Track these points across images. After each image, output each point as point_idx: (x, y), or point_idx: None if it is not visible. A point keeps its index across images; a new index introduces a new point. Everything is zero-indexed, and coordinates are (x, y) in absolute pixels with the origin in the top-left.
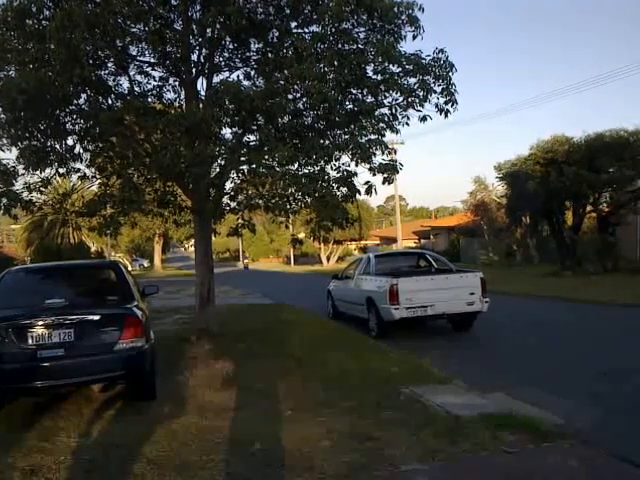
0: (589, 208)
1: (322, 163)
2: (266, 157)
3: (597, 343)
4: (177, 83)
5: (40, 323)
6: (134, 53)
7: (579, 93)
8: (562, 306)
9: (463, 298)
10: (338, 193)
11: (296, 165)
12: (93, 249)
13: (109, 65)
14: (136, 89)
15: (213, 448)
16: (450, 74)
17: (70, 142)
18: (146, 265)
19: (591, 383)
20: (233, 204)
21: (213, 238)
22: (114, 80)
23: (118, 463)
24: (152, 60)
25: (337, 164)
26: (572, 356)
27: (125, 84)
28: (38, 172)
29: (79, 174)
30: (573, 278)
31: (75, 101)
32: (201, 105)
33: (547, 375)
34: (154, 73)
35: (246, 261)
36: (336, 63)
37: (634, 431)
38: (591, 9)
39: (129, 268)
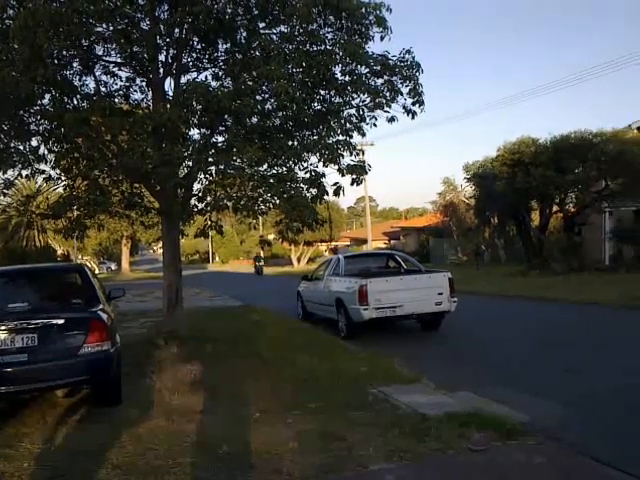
0: (555, 208)
1: (291, 164)
2: (234, 158)
3: (562, 341)
4: (144, 83)
5: (2, 328)
6: (100, 53)
7: (547, 94)
8: (528, 305)
9: (431, 298)
10: (307, 194)
11: (265, 166)
12: (59, 252)
13: (74, 65)
14: (102, 89)
15: (180, 451)
16: (417, 75)
17: (34, 143)
18: (114, 268)
19: (556, 381)
20: (201, 205)
21: (182, 240)
22: (80, 80)
23: (83, 469)
24: (118, 60)
25: (306, 165)
26: (538, 354)
27: (91, 84)
28: (1, 174)
29: (44, 176)
30: (539, 277)
31: (39, 101)
32: (168, 106)
33: (513, 373)
34: (121, 73)
35: (261, 263)
36: (304, 64)
37: (597, 427)
38: (563, 7)
39: (96, 271)
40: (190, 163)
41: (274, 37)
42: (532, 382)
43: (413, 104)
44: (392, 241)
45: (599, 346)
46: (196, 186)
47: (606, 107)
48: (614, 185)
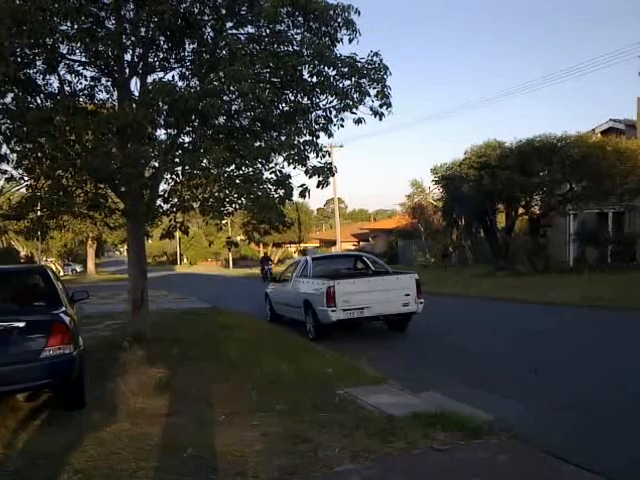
0: (521, 210)
1: (258, 165)
2: (201, 158)
3: (527, 342)
4: (110, 83)
5: None
6: (64, 52)
7: (517, 97)
8: (495, 306)
9: (399, 299)
10: (275, 195)
11: (232, 166)
12: (23, 253)
13: (38, 63)
14: (66, 88)
15: (144, 455)
16: (385, 77)
17: None
18: (79, 270)
19: (521, 380)
20: (166, 206)
21: (150, 241)
22: (43, 79)
23: (44, 474)
24: (83, 59)
25: (273, 166)
26: (503, 354)
27: (55, 83)
28: None
29: (6, 176)
30: (506, 278)
31: (1, 100)
32: (134, 105)
33: (479, 373)
34: (85, 72)
35: (269, 266)
36: (271, 64)
37: (560, 426)
38: (530, 10)
39: (61, 273)
40: (156, 163)
41: (242, 37)
42: (497, 382)
43: (381, 106)
44: (361, 243)
45: (563, 346)
46: (162, 186)
47: (572, 111)
48: (578, 188)
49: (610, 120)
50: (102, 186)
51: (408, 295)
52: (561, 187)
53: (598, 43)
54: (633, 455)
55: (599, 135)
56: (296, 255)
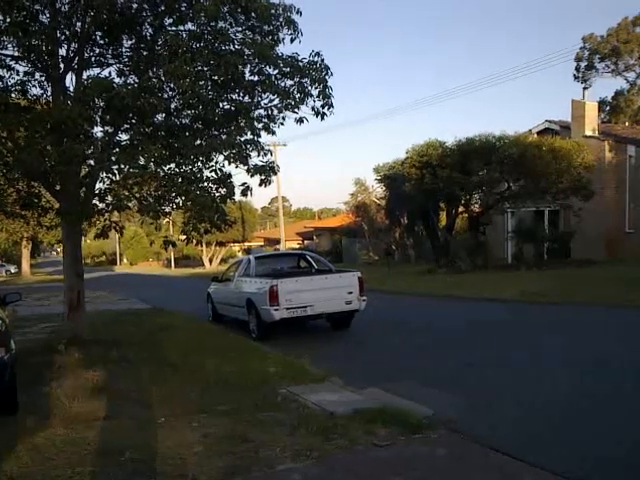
0: (461, 209)
1: (199, 164)
2: (138, 157)
3: (466, 337)
4: (44, 78)
5: None
6: None
7: (460, 97)
8: (436, 303)
9: (342, 297)
10: (217, 194)
11: (172, 165)
12: None
13: None
14: None
15: (80, 460)
16: (326, 77)
17: None
18: (13, 271)
19: (459, 375)
20: (102, 205)
21: (88, 241)
22: None
23: None
24: (16, 54)
25: (213, 164)
26: (443, 349)
27: None
28: None
29: None
30: (447, 276)
31: None
32: (69, 102)
33: (419, 369)
34: (18, 67)
35: None
36: (212, 62)
37: (495, 418)
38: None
39: None
40: (92, 162)
41: (182, 34)
42: (437, 377)
43: (322, 106)
44: (306, 241)
45: (500, 341)
46: (98, 185)
47: (512, 111)
48: (515, 187)
49: (546, 121)
50: (35, 184)
51: (351, 293)
52: (499, 186)
53: (541, 43)
54: (566, 444)
55: (536, 135)
56: (240, 254)
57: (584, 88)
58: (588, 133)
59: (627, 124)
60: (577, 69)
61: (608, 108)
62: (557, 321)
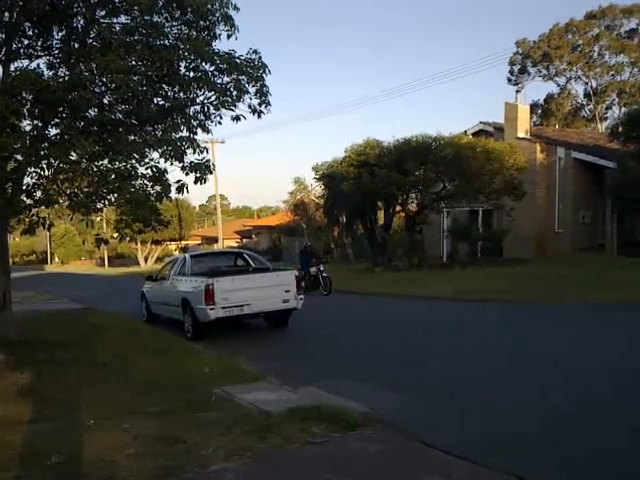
0: (398, 208)
1: (133, 160)
2: (69, 152)
3: (401, 334)
4: None
5: None
6: None
7: (402, 96)
8: (372, 301)
9: (279, 296)
10: (151, 191)
11: (105, 161)
12: None
13: None
14: None
15: (4, 465)
16: (263, 75)
17: None
18: None
19: (395, 372)
20: (29, 201)
21: (17, 239)
22: None
23: None
24: None
25: (148, 161)
26: (379, 347)
27: None
28: None
29: None
30: (384, 274)
31: None
32: None
33: (355, 366)
34: None
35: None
36: (147, 57)
37: (429, 414)
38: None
39: None
40: (19, 156)
41: (116, 27)
42: (372, 374)
43: (260, 104)
44: (244, 240)
45: (435, 337)
46: (26, 180)
47: (449, 112)
48: (451, 187)
49: (480, 123)
50: None
51: (288, 292)
52: (435, 186)
53: (476, 46)
54: (492, 440)
55: (471, 137)
56: (177, 253)
57: (517, 91)
58: (520, 135)
59: (557, 127)
60: (511, 72)
61: (540, 111)
62: (489, 316)
